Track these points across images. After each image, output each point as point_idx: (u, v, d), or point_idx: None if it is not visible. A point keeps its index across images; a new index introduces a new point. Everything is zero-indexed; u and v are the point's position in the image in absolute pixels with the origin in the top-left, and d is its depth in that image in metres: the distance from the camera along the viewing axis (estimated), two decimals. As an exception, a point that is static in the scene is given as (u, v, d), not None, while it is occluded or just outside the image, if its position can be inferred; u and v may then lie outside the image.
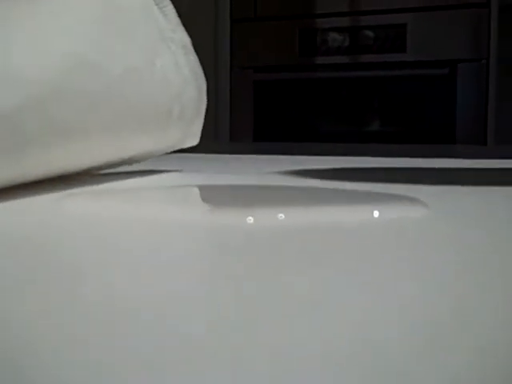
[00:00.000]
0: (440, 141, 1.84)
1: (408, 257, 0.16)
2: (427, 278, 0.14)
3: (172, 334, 0.10)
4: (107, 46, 0.29)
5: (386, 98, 1.91)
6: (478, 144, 1.80)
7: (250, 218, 0.20)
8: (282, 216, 0.20)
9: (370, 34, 1.91)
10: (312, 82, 1.97)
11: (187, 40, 0.36)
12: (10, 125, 0.24)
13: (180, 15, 0.47)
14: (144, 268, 0.14)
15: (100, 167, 0.34)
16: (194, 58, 0.37)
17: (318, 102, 1.97)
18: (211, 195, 0.26)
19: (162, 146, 0.36)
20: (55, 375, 0.08)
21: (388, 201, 0.23)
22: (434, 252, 0.16)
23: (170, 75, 0.34)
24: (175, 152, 0.70)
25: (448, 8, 1.83)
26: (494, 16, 1.79)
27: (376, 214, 0.21)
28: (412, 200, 0.23)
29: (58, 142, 0.26)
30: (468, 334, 0.10)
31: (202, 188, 0.28)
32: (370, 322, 0.11)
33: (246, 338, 0.10)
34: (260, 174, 0.40)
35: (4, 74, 0.24)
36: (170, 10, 0.36)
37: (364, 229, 0.19)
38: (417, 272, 0.14)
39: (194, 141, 0.40)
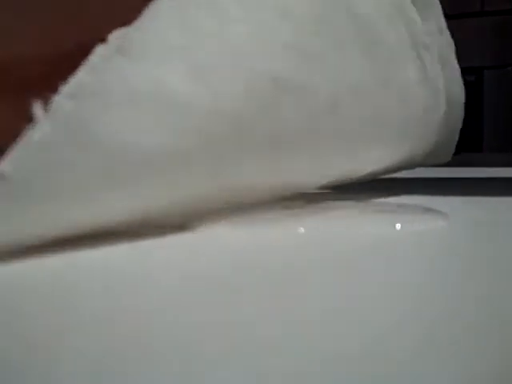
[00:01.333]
0: (467, 149, 1.83)
1: (426, 268, 0.16)
2: (443, 289, 0.13)
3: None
4: (317, 65, 0.24)
5: (412, 106, 1.90)
6: (505, 152, 1.78)
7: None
8: (302, 229, 0.20)
9: (394, 42, 1.90)
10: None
11: (448, 49, 0.31)
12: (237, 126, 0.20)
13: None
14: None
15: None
16: (451, 69, 0.31)
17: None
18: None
19: (409, 161, 0.32)
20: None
21: (409, 213, 0.23)
22: (452, 264, 0.16)
23: (414, 89, 0.29)
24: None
25: (473, 15, 1.82)
26: (521, 22, 1.78)
27: (398, 226, 0.20)
28: (434, 212, 0.23)
29: (284, 152, 0.23)
30: (471, 336, 0.10)
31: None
32: (381, 328, 0.10)
33: (252, 340, 0.10)
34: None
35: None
36: (435, 10, 0.30)
37: (384, 241, 0.19)
38: (432, 282, 0.14)
39: (446, 158, 0.36)
